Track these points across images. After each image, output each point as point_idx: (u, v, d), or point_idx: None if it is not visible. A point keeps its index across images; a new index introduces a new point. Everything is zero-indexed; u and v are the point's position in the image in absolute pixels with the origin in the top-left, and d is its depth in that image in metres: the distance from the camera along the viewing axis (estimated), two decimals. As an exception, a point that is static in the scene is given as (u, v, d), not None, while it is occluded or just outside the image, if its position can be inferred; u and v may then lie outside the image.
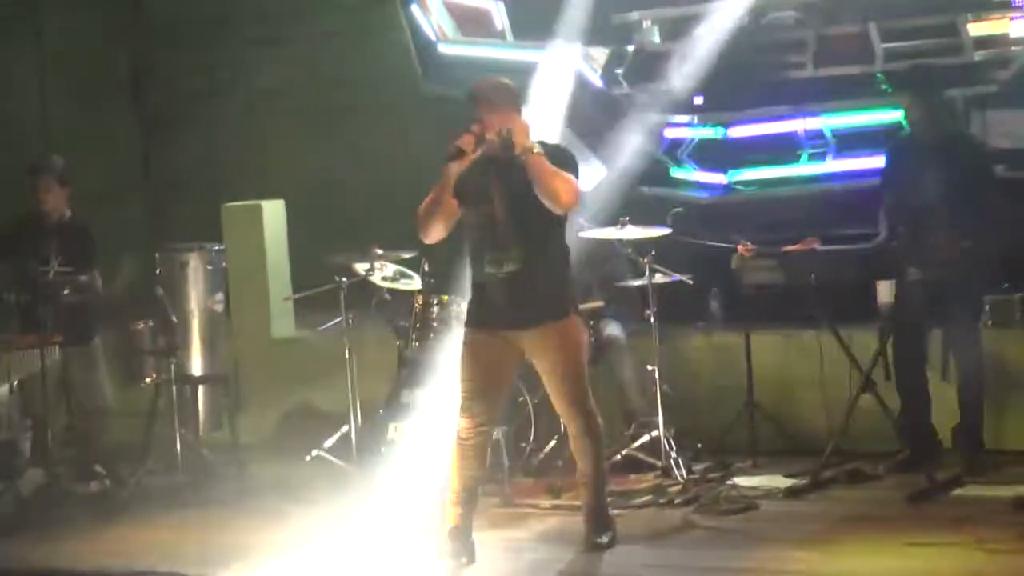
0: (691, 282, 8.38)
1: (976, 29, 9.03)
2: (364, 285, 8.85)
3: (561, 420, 7.04)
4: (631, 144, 9.52)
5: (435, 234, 6.63)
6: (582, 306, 8.08)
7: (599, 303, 8.52)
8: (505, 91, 6.65)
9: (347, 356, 8.78)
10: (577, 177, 6.61)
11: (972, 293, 7.76)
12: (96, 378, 8.74)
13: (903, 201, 7.75)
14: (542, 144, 6.58)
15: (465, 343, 6.74)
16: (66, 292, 8.27)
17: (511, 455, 8.00)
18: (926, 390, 7.86)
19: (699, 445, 8.42)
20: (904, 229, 7.71)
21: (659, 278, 8.21)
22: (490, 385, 6.66)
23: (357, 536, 7.21)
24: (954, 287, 7.53)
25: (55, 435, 8.41)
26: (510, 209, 6.53)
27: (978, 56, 9.02)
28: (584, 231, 8.41)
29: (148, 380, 8.79)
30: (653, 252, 8.22)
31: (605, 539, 6.75)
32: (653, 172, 9.78)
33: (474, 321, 6.73)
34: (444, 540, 6.65)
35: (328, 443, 8.79)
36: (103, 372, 8.77)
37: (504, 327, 6.60)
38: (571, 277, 6.82)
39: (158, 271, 9.12)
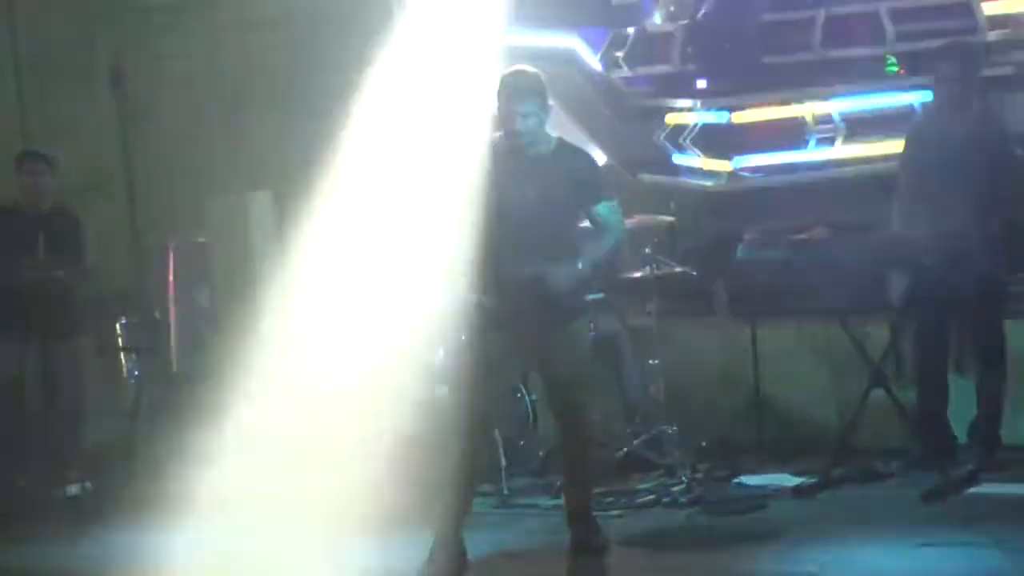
0: (695, 273, 8.24)
1: (991, 8, 9.01)
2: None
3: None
4: (631, 130, 9.35)
5: None
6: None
7: (599, 295, 8.29)
8: (533, 81, 6.33)
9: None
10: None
11: (995, 282, 7.48)
12: (79, 377, 8.49)
13: (923, 185, 7.57)
14: (560, 142, 6.42)
15: (476, 343, 6.54)
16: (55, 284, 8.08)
17: (509, 454, 7.86)
18: (945, 383, 7.74)
19: (703, 443, 8.29)
20: (923, 215, 7.49)
21: (662, 269, 8.05)
22: (497, 386, 6.55)
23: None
24: (976, 275, 7.28)
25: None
26: (533, 210, 6.31)
27: (992, 36, 8.96)
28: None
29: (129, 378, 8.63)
30: (656, 242, 8.08)
31: (602, 542, 6.63)
32: (654, 159, 9.55)
33: (490, 322, 6.49)
34: (436, 545, 6.43)
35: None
36: (86, 371, 8.55)
37: (523, 328, 6.39)
38: (585, 277, 6.58)
39: (140, 265, 8.93)
